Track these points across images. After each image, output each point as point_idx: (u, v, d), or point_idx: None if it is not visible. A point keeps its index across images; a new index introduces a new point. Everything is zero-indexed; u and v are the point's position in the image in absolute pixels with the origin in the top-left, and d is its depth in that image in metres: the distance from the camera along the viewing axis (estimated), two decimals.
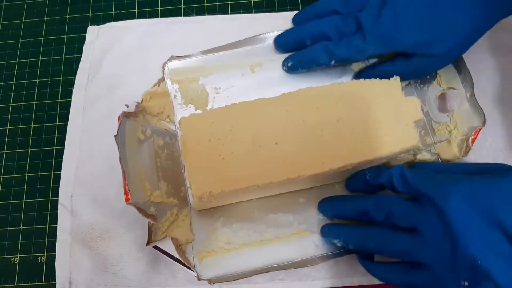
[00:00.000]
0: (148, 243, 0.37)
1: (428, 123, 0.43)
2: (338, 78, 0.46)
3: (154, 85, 0.45)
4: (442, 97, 0.43)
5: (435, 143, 0.42)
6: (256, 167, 0.38)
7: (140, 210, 0.35)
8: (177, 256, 0.37)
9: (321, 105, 0.40)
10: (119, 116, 0.39)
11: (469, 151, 0.39)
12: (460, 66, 0.40)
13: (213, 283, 0.39)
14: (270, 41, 0.46)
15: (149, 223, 0.37)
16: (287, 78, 0.46)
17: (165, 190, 0.41)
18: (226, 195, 0.38)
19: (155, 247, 0.37)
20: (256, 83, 0.46)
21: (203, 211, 0.42)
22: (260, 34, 0.46)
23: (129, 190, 0.35)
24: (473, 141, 0.39)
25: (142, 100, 0.44)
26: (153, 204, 0.39)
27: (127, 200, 0.35)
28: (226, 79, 0.46)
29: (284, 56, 0.46)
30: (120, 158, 0.37)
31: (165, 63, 0.46)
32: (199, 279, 0.38)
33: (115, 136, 0.37)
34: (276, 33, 0.46)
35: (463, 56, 0.41)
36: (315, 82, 0.45)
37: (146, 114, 0.44)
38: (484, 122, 0.38)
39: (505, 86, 0.45)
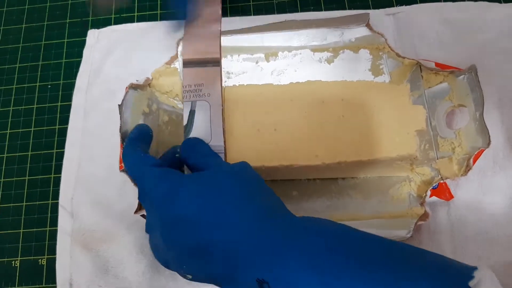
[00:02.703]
0: (136, 212, 0.37)
1: (434, 137, 0.42)
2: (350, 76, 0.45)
3: (166, 62, 0.45)
4: (452, 113, 0.43)
5: (437, 158, 0.41)
6: (251, 150, 0.39)
7: (132, 179, 0.37)
8: None
9: (327, 100, 0.40)
10: (126, 87, 0.39)
11: (469, 170, 0.38)
12: (473, 85, 0.39)
13: None
14: (289, 29, 0.44)
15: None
16: (301, 71, 0.45)
17: None
18: None
19: (143, 216, 0.38)
20: (269, 73, 0.45)
21: None
22: (283, 21, 0.44)
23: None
24: (474, 161, 0.38)
25: (152, 78, 0.44)
26: None
27: (120, 168, 0.37)
28: (239, 64, 0.46)
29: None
30: (120, 127, 0.38)
31: (180, 40, 0.45)
32: None
33: (119, 105, 0.38)
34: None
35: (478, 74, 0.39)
36: (327, 77, 0.44)
37: (155, 91, 0.44)
38: (488, 144, 0.37)
39: (502, 85, 0.45)
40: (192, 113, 0.38)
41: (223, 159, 0.36)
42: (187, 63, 0.40)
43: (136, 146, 0.35)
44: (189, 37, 0.40)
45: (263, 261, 0.27)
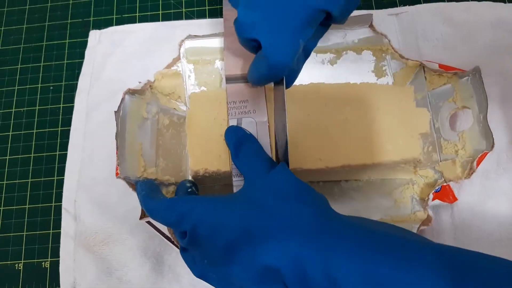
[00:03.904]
0: (141, 218, 0.37)
1: (437, 139, 0.41)
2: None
3: (168, 64, 0.45)
4: (455, 115, 0.42)
5: (440, 161, 0.41)
6: None
7: (130, 184, 0.37)
8: (167, 233, 0.38)
9: (330, 103, 0.40)
10: (123, 93, 0.39)
11: (472, 173, 0.38)
12: (477, 87, 0.39)
13: None
14: None
15: None
16: (303, 73, 0.45)
17: (162, 168, 0.41)
18: (221, 175, 0.39)
19: (148, 222, 0.38)
20: None
21: (200, 193, 0.42)
22: None
23: (118, 166, 0.37)
24: (478, 164, 0.37)
25: (154, 80, 0.43)
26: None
27: (116, 174, 0.36)
28: None
29: None
30: (116, 133, 0.37)
31: (182, 41, 0.45)
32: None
33: (115, 111, 0.38)
34: None
35: (482, 77, 0.38)
36: (330, 79, 0.44)
37: (158, 93, 0.43)
38: (492, 147, 0.36)
39: (506, 86, 0.45)
40: None
41: None
42: (230, 79, 0.40)
43: (153, 196, 0.34)
44: (229, 52, 0.40)
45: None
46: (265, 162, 0.33)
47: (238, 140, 0.36)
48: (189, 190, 0.38)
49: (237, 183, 0.36)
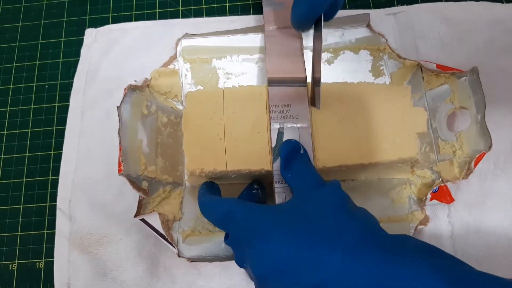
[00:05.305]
0: (136, 215, 0.37)
1: (435, 140, 0.41)
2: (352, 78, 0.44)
3: (165, 63, 0.45)
4: (453, 115, 0.42)
5: (438, 161, 0.41)
6: (251, 152, 0.39)
7: (132, 182, 0.37)
8: (161, 231, 0.38)
9: (326, 102, 0.40)
10: (125, 88, 0.39)
11: (470, 174, 0.38)
12: (475, 87, 0.39)
13: (191, 261, 0.39)
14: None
15: (140, 196, 0.37)
16: None
17: (161, 167, 0.41)
18: (218, 174, 0.39)
19: (142, 220, 0.37)
20: None
21: (197, 192, 0.42)
22: None
23: (122, 162, 0.36)
24: (475, 165, 0.37)
25: (151, 78, 0.43)
26: (147, 178, 0.39)
27: (119, 171, 0.36)
28: (239, 65, 0.45)
29: None
30: (119, 129, 0.37)
31: (179, 40, 0.45)
32: (179, 256, 0.38)
33: (117, 107, 0.38)
34: None
35: (480, 77, 0.39)
36: (328, 78, 0.44)
37: (154, 92, 0.43)
38: (490, 147, 0.36)
39: (504, 86, 0.45)
40: (280, 135, 0.38)
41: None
42: (272, 82, 0.40)
43: (209, 195, 0.36)
44: (271, 55, 0.41)
45: None
46: (316, 178, 0.33)
47: (289, 152, 0.35)
48: (254, 191, 0.40)
49: (279, 189, 0.36)
